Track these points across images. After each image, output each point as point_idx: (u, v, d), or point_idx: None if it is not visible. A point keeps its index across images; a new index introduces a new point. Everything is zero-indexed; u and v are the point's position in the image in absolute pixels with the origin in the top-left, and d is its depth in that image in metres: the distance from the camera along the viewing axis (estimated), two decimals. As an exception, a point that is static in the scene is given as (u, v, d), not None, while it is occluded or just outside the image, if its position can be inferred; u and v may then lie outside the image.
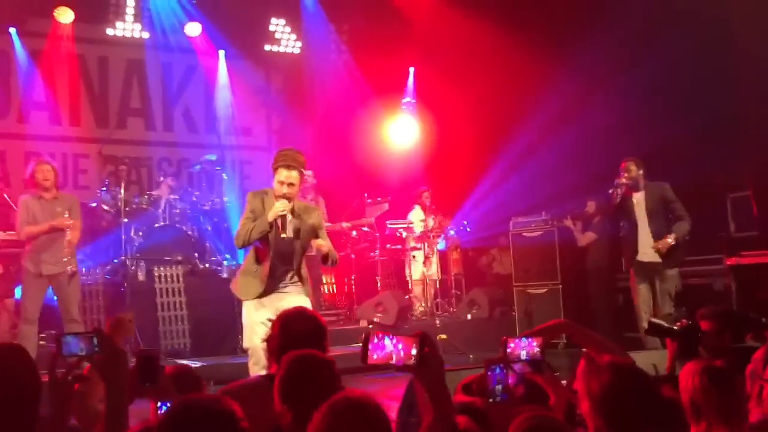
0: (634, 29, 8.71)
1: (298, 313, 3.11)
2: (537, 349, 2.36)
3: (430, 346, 1.86)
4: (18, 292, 7.50)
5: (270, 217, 4.62)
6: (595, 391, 2.05)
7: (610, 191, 6.82)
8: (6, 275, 7.39)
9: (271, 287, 4.78)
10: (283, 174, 4.66)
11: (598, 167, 8.57)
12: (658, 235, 6.71)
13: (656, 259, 6.69)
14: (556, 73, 9.05)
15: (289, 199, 4.67)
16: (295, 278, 4.84)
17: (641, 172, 6.81)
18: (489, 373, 2.03)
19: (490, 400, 2.06)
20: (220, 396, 1.79)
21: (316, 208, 5.08)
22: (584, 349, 2.72)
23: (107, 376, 1.99)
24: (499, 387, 2.01)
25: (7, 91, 9.31)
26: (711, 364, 2.43)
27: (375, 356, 1.83)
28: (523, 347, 2.34)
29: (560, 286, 8.35)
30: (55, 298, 6.50)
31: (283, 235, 4.67)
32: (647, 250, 6.74)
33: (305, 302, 4.68)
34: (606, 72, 8.97)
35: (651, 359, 3.60)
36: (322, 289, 9.69)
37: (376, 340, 1.84)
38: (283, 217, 4.65)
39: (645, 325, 3.92)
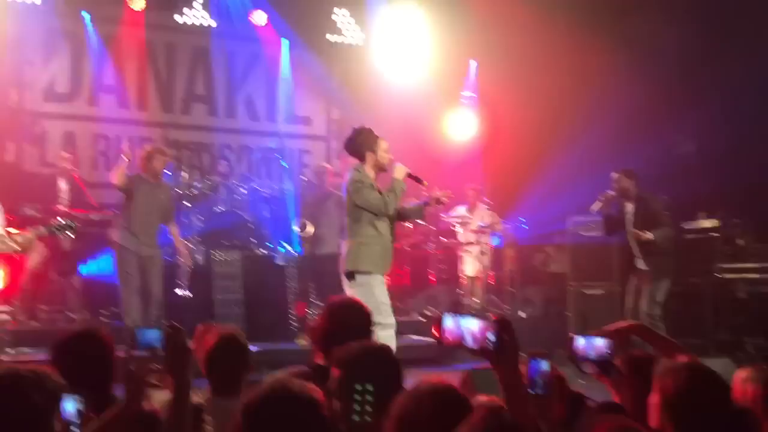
0: (707, 25, 8.47)
1: (347, 302, 3.11)
2: (607, 351, 2.28)
3: (508, 332, 1.82)
4: (84, 269, 7.78)
5: (402, 174, 5.13)
6: (669, 390, 2.01)
7: (597, 205, 7.06)
8: (73, 253, 7.63)
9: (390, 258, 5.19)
10: (384, 143, 5.23)
11: (660, 167, 8.41)
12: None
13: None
14: (621, 68, 8.86)
15: None
16: None
17: (632, 182, 7.01)
18: (531, 364, 1.97)
19: (531, 391, 1.99)
20: (305, 382, 1.82)
21: None
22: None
23: (173, 371, 2.04)
24: (539, 380, 1.93)
25: (79, 73, 9.58)
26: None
27: (448, 338, 1.80)
28: (592, 346, 2.28)
29: (618, 287, 8.19)
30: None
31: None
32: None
33: None
34: (675, 69, 8.75)
35: (713, 367, 3.50)
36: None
37: (451, 322, 1.80)
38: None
39: None
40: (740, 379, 2.41)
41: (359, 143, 5.22)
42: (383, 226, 5.09)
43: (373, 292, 4.90)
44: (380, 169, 5.22)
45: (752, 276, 7.64)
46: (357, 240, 5.08)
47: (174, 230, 7.06)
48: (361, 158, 5.23)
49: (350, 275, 5.02)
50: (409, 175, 5.16)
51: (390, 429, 1.80)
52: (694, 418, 1.96)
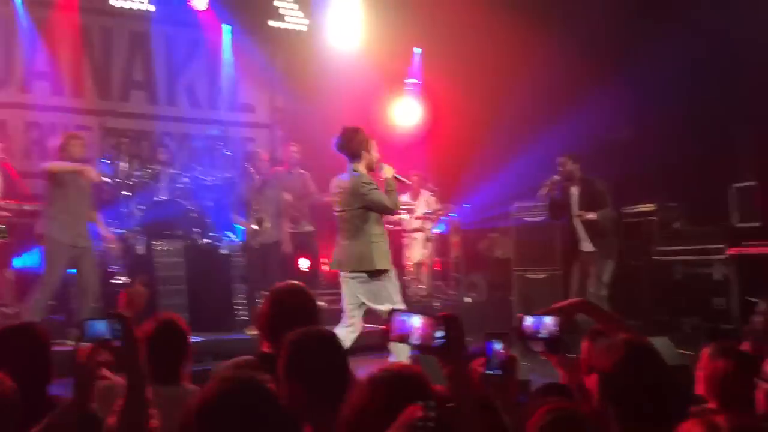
0: (641, 8, 8.69)
1: (290, 288, 3.05)
2: (555, 328, 2.33)
3: (455, 329, 1.84)
4: (17, 262, 7.51)
5: (390, 174, 5.28)
6: (606, 367, 2.03)
7: (544, 189, 7.37)
8: (6, 245, 7.35)
9: None
10: (374, 143, 5.36)
11: (602, 151, 8.60)
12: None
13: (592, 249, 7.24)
14: (560, 54, 9.00)
15: None
16: None
17: (577, 166, 7.25)
18: (487, 345, 2.04)
19: (488, 372, 2.05)
20: (253, 375, 1.77)
21: None
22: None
23: (125, 363, 1.98)
24: (495, 360, 2.01)
25: (10, 59, 9.19)
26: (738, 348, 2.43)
27: (395, 333, 1.86)
28: (540, 325, 2.32)
29: (560, 272, 8.34)
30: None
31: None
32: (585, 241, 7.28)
33: None
34: (612, 54, 8.93)
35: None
36: (320, 267, 9.68)
37: (398, 317, 1.85)
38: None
39: None
40: (708, 355, 2.46)
41: (357, 143, 5.26)
42: (382, 223, 5.35)
43: (387, 286, 5.21)
44: (370, 168, 5.30)
45: (688, 258, 7.88)
46: (368, 240, 5.22)
47: (95, 216, 6.86)
48: (356, 158, 5.27)
49: (371, 274, 5.19)
50: (395, 176, 5.31)
51: (347, 416, 1.78)
52: (631, 393, 1.96)
